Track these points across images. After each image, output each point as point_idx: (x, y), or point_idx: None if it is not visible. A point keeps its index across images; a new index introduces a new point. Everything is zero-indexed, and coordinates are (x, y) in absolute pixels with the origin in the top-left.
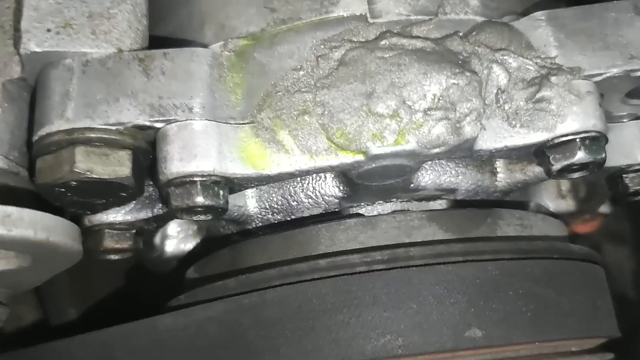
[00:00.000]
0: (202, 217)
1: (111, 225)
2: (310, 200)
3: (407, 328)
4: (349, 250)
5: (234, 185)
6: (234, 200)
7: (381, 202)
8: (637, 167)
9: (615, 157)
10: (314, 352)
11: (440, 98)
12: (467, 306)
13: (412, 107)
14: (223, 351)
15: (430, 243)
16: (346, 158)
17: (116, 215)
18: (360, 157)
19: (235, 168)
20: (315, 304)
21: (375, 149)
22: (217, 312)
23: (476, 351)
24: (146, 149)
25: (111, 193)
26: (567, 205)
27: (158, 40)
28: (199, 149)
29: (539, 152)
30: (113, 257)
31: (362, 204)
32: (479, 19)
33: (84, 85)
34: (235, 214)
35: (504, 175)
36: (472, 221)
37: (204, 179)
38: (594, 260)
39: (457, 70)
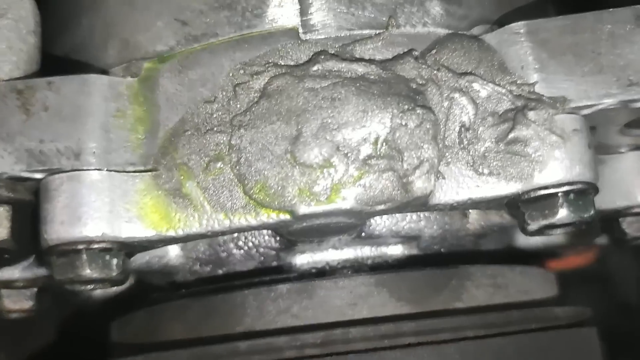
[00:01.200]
0: (96, 288)
1: (7, 284)
2: (242, 252)
3: None
4: (277, 329)
5: (133, 249)
6: (153, 250)
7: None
8: (636, 210)
9: (610, 197)
10: None
11: (385, 143)
12: None
13: (348, 155)
14: None
15: (376, 321)
16: (269, 217)
17: (13, 273)
18: (285, 217)
19: (132, 230)
20: None
21: (304, 208)
22: None
23: None
24: (31, 200)
25: None
26: (557, 238)
27: (56, 59)
28: (85, 209)
29: (512, 205)
30: (15, 316)
31: (306, 252)
32: (441, 31)
33: None
34: (156, 265)
35: (477, 217)
36: (431, 286)
37: (91, 246)
38: (584, 321)
39: (407, 107)
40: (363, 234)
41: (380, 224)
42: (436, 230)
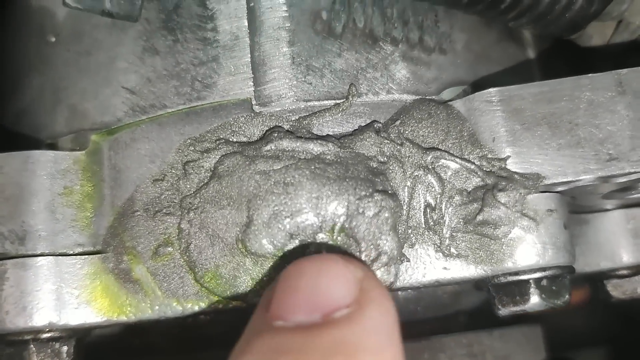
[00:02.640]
0: None
1: None
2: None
3: None
4: None
5: (84, 334)
6: None
7: None
8: (622, 273)
9: (593, 258)
10: None
11: (341, 232)
12: None
13: (307, 244)
14: None
15: None
16: (222, 306)
17: None
18: (238, 304)
19: (81, 317)
20: None
21: (256, 298)
22: None
23: None
24: None
25: None
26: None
27: (12, 119)
28: (30, 298)
29: (482, 287)
30: None
31: None
32: (407, 97)
33: None
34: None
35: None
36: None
37: (38, 336)
38: None
39: (364, 193)
40: None
41: None
42: (411, 292)
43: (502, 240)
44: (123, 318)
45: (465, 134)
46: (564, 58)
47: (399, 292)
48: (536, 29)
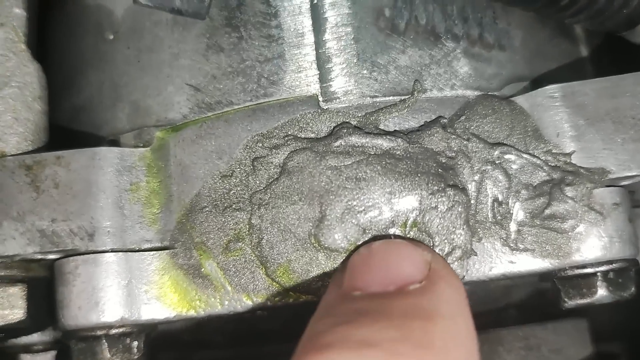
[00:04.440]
0: None
1: (27, 348)
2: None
3: None
4: None
5: (153, 329)
6: None
7: None
8: None
9: None
10: None
11: (414, 226)
12: None
13: (369, 226)
14: None
15: None
16: (294, 300)
17: (32, 337)
18: (310, 299)
19: (151, 312)
20: None
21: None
22: None
23: None
24: (46, 276)
25: (8, 334)
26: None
27: (69, 115)
28: (102, 294)
29: (547, 279)
30: None
31: None
32: (471, 93)
33: None
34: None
35: None
36: None
37: (110, 331)
38: None
39: (436, 188)
40: None
41: None
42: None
43: (570, 233)
44: (192, 313)
45: (530, 130)
46: (615, 54)
47: None
48: (592, 25)
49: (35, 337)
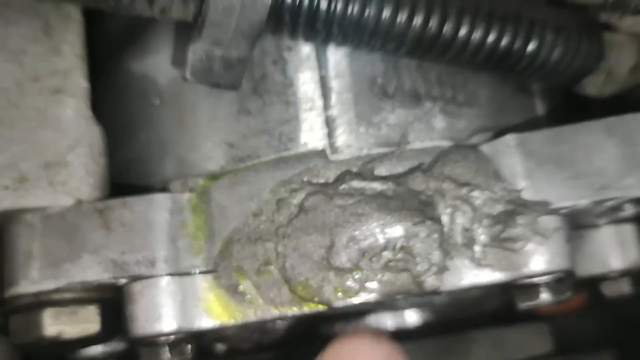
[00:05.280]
0: None
1: (93, 358)
2: (284, 324)
3: None
4: None
5: (201, 336)
6: None
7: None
8: (613, 275)
9: (588, 266)
10: None
11: (401, 249)
12: None
13: (372, 259)
14: None
15: None
16: (310, 309)
17: (97, 349)
18: (324, 308)
19: (200, 322)
20: None
21: (338, 301)
22: None
23: None
24: (114, 297)
25: (84, 344)
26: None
27: (121, 167)
28: (163, 309)
29: (505, 288)
30: None
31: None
32: (445, 143)
33: (46, 242)
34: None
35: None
36: (442, 351)
37: (169, 338)
38: None
39: (417, 220)
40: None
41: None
42: (443, 298)
43: (520, 252)
44: (232, 322)
45: (491, 172)
46: (567, 105)
47: (435, 299)
48: (545, 82)
49: (100, 349)
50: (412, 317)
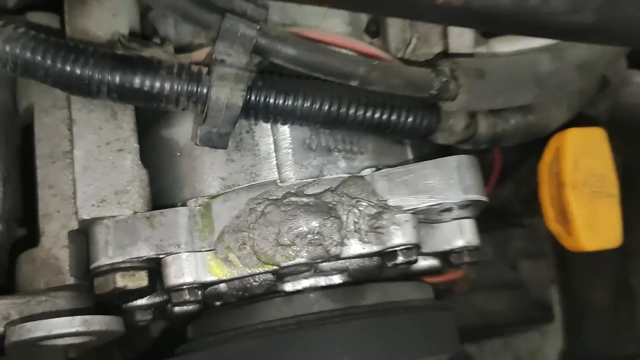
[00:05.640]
0: (191, 307)
1: (139, 307)
2: (256, 284)
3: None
4: (277, 319)
5: (207, 286)
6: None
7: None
8: (457, 250)
9: (439, 244)
10: None
11: (317, 233)
12: (343, 342)
13: (302, 239)
14: None
15: (322, 312)
16: (268, 268)
17: (142, 300)
18: (276, 267)
19: (206, 277)
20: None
21: (283, 263)
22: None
23: None
24: (156, 267)
25: (138, 294)
26: (427, 264)
27: (158, 193)
28: (186, 270)
29: (379, 255)
30: (141, 325)
31: (289, 281)
32: (345, 175)
33: (116, 236)
34: (214, 293)
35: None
36: (350, 295)
37: (190, 286)
38: (436, 308)
39: (326, 217)
40: (318, 270)
41: (325, 265)
42: (354, 266)
43: (386, 234)
44: (224, 277)
45: (371, 191)
46: (435, 153)
47: (349, 267)
48: (406, 138)
49: (144, 301)
50: (337, 279)
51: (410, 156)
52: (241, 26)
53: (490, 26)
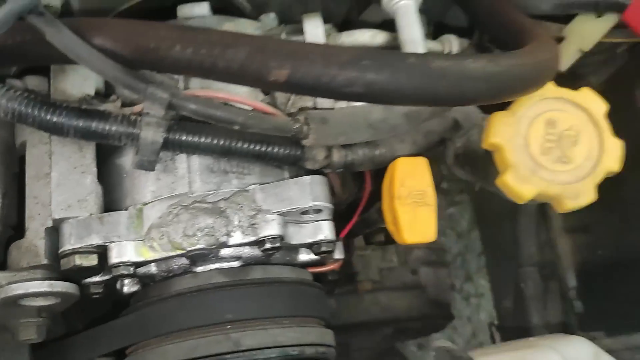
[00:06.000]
0: (132, 286)
1: (93, 282)
2: (176, 266)
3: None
4: (185, 288)
5: (138, 265)
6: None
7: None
8: (317, 242)
9: (304, 238)
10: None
11: (212, 228)
12: (229, 303)
13: (201, 231)
14: None
15: (216, 283)
16: (178, 252)
17: (95, 278)
18: (183, 251)
19: (137, 258)
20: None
21: (188, 248)
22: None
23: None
24: (103, 251)
25: (91, 271)
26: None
27: (109, 203)
28: (123, 253)
29: (255, 244)
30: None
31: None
32: (236, 189)
33: (77, 230)
34: (147, 273)
35: (267, 245)
36: (239, 273)
37: (125, 264)
38: (306, 284)
39: (218, 217)
40: (220, 257)
41: (224, 252)
42: (246, 253)
43: (260, 228)
44: (150, 258)
45: (252, 199)
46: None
47: (243, 255)
48: (282, 164)
49: (97, 278)
50: (234, 264)
51: (286, 176)
52: (159, 92)
53: (306, 94)
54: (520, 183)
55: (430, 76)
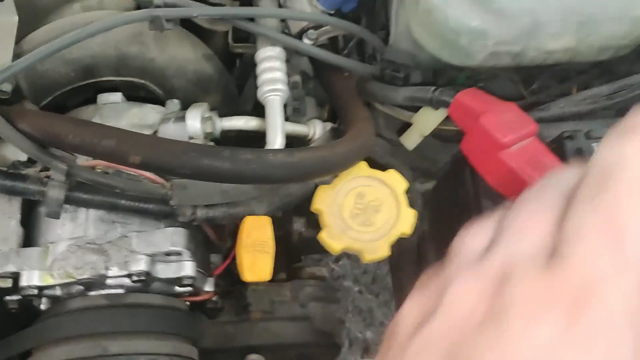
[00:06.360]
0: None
1: (11, 300)
2: (74, 290)
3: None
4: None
5: (42, 288)
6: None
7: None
8: (179, 278)
9: (170, 274)
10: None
11: (95, 263)
12: (104, 319)
13: (87, 265)
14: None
15: (97, 304)
16: (70, 280)
17: (12, 297)
18: (74, 280)
19: (41, 283)
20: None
21: (77, 277)
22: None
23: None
24: (17, 277)
25: (8, 292)
26: (183, 290)
27: (29, 239)
28: (30, 279)
29: (128, 276)
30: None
31: (93, 290)
32: (119, 235)
33: None
34: (51, 294)
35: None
36: (117, 297)
37: (31, 287)
38: (172, 309)
39: (101, 255)
40: (107, 285)
41: (109, 281)
42: (127, 283)
43: (130, 265)
44: (49, 284)
45: (129, 243)
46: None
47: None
48: (156, 218)
49: (13, 297)
50: (120, 291)
51: (162, 226)
52: (59, 164)
53: (156, 173)
54: (332, 239)
55: (238, 162)
